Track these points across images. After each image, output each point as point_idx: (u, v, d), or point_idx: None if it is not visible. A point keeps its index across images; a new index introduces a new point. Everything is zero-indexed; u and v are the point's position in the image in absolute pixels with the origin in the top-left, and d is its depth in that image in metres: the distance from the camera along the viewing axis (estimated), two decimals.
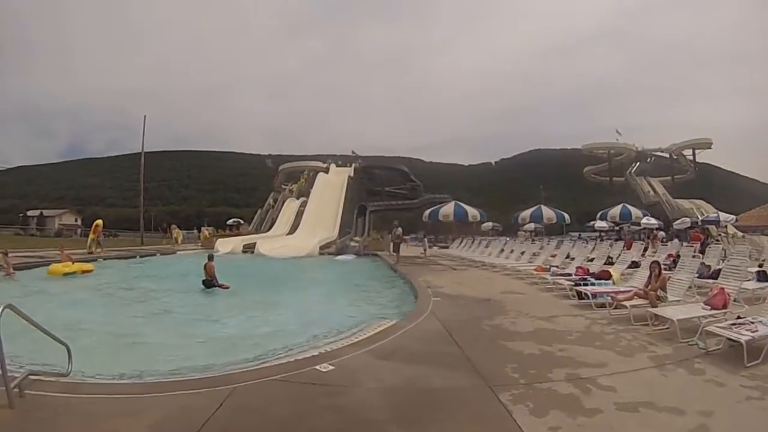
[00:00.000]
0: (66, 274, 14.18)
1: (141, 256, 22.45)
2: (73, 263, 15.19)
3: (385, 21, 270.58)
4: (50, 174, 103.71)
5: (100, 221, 24.55)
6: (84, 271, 15.06)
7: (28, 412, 3.64)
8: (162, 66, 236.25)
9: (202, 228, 37.23)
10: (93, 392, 4.13)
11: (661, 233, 22.49)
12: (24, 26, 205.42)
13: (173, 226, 35.42)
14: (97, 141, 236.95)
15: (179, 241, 32.56)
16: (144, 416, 3.61)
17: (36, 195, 77.98)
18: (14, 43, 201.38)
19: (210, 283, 11.89)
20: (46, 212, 62.44)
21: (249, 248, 25.28)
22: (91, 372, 4.97)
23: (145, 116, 34.15)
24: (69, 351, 4.55)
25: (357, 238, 27.57)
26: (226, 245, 26.93)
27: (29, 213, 60.54)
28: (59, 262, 15.12)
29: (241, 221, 41.21)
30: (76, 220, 63.34)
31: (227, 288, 11.85)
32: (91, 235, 23.26)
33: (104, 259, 19.90)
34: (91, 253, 21.26)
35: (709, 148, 42.16)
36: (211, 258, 12.40)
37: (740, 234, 26.79)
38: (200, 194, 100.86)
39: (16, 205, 66.35)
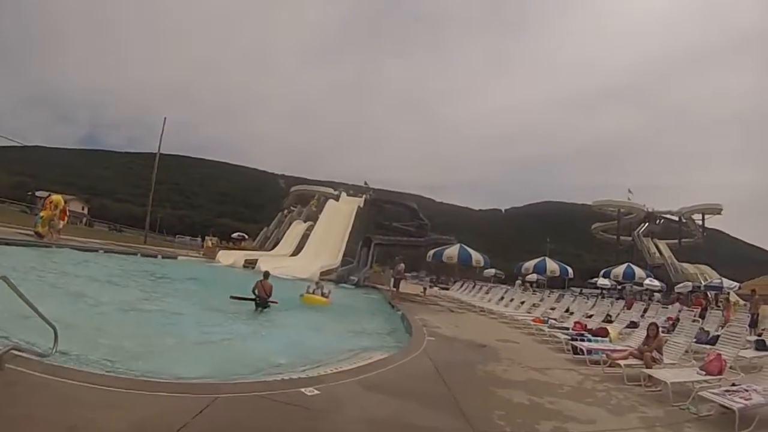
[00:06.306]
0: None
1: (142, 255, 22.58)
2: None
3: (406, 61, 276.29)
4: (64, 159, 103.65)
5: (58, 197, 18.68)
6: None
7: (4, 385, 3.65)
8: (190, 72, 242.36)
9: (206, 237, 37.45)
10: (74, 378, 4.10)
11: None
12: (61, 16, 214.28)
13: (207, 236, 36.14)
14: (116, 135, 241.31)
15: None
16: (123, 411, 3.58)
17: (47, 177, 77.90)
18: (50, 30, 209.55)
19: (264, 302, 11.35)
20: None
21: (250, 264, 25.16)
22: None
23: (165, 118, 34.76)
24: (56, 333, 4.53)
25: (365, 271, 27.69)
26: (227, 257, 26.92)
27: (38, 193, 60.66)
28: None
29: (246, 236, 41.33)
30: (82, 209, 62.89)
31: (276, 303, 11.59)
32: (42, 212, 17.62)
33: (105, 252, 19.49)
34: (39, 234, 16.43)
35: (719, 213, 41.94)
36: (266, 276, 11.78)
37: (742, 302, 26.26)
38: (209, 203, 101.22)
39: (25, 182, 66.22)
